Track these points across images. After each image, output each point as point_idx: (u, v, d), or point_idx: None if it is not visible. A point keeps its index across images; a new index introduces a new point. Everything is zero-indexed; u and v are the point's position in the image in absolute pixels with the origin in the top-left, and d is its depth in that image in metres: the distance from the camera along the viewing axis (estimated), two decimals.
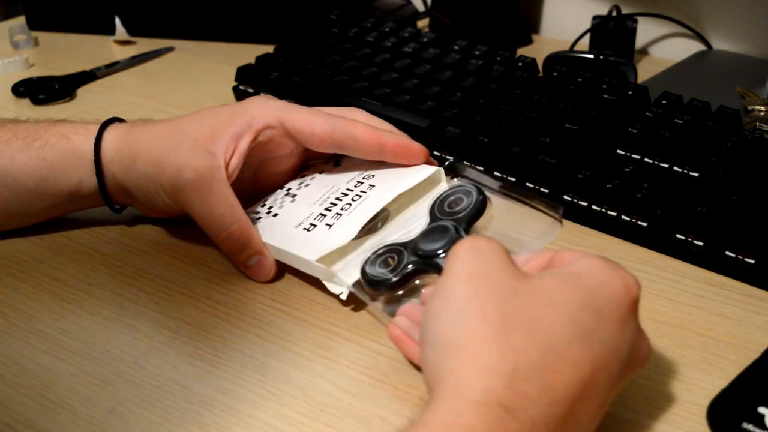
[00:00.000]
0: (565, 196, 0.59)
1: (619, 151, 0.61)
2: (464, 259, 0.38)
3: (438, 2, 0.96)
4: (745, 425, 0.39)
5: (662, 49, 0.93)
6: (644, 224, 0.55)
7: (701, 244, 0.53)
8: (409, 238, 0.48)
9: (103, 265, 0.54)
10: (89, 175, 0.53)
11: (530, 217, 0.49)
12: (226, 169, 0.51)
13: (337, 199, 0.53)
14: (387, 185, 0.52)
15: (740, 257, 0.52)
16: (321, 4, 0.89)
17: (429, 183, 0.52)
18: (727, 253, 0.52)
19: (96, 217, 0.58)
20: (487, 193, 0.49)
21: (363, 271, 0.47)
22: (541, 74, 0.74)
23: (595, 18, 0.86)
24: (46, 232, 0.57)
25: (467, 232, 0.46)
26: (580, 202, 0.58)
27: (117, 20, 0.93)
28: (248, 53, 0.82)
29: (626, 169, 0.58)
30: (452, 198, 0.49)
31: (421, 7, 1.04)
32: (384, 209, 0.51)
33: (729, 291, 0.51)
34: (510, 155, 0.61)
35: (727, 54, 0.88)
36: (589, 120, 0.63)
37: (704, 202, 0.54)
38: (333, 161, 0.57)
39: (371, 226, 0.51)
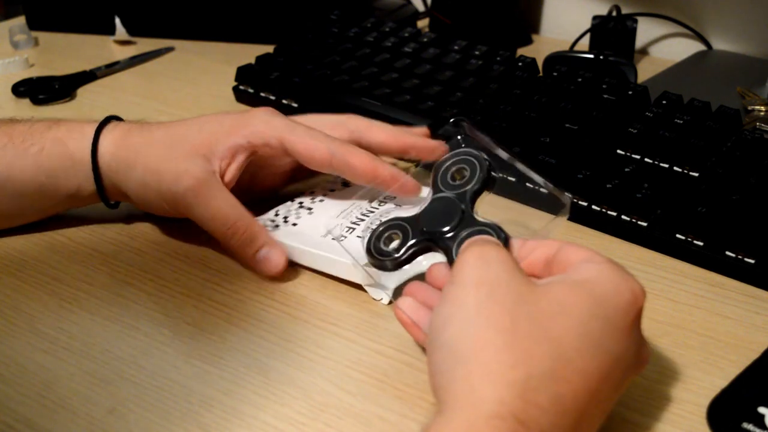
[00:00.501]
0: None
1: (619, 151, 0.61)
2: (472, 266, 0.38)
3: (438, 2, 0.96)
4: (745, 425, 0.39)
5: (662, 49, 0.93)
6: (644, 224, 0.55)
7: (701, 244, 0.53)
8: (412, 213, 0.47)
9: (103, 265, 0.54)
10: (88, 181, 0.54)
11: (537, 201, 0.48)
12: (222, 178, 0.51)
13: (363, 215, 0.54)
14: (409, 200, 0.53)
15: (740, 257, 0.52)
16: (321, 4, 0.89)
17: None
18: (727, 253, 0.52)
19: (96, 216, 0.58)
20: (493, 166, 0.47)
21: (368, 249, 0.47)
22: (541, 74, 0.74)
23: (595, 18, 0.86)
24: (46, 232, 0.57)
25: (472, 208, 0.46)
26: (580, 202, 0.58)
27: (117, 20, 0.93)
28: (248, 53, 0.82)
29: (626, 169, 0.58)
30: (455, 169, 0.47)
31: (421, 7, 1.04)
32: None
33: (729, 291, 0.51)
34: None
35: (727, 54, 0.88)
36: (589, 120, 0.63)
37: (704, 202, 0.54)
38: (341, 181, 0.58)
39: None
